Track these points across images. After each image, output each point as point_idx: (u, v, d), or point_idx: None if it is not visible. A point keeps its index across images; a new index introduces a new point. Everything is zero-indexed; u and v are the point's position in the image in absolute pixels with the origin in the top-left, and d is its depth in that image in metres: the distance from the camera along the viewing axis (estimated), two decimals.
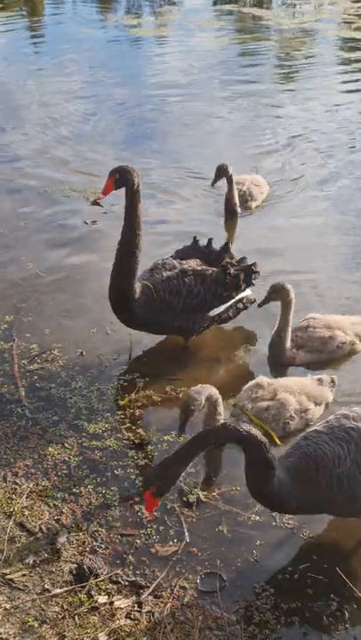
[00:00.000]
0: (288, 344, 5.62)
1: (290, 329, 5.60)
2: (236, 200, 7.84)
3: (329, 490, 3.81)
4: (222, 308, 5.78)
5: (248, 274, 5.81)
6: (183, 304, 5.57)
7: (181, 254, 5.91)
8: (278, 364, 5.65)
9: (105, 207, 7.09)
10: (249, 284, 5.85)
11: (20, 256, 7.20)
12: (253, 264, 5.89)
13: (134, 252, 5.38)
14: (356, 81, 12.55)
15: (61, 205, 8.28)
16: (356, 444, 3.87)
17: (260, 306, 5.75)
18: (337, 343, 5.61)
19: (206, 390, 4.72)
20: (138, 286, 5.50)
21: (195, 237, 6.00)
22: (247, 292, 5.92)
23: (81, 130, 10.53)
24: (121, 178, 5.23)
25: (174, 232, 7.57)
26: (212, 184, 7.76)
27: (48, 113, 11.10)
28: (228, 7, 18.28)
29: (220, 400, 4.80)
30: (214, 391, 4.76)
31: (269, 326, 5.82)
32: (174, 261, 5.74)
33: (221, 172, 7.62)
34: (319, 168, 9.19)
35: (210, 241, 5.97)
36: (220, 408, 4.81)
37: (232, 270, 5.71)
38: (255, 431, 3.64)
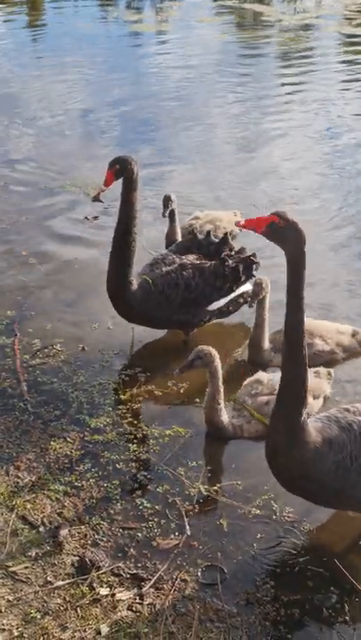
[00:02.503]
0: (266, 344, 5.59)
1: (267, 327, 5.54)
2: (178, 236, 6.79)
3: (326, 473, 3.82)
4: (222, 302, 5.79)
5: (247, 265, 5.80)
6: (182, 297, 5.59)
7: (181, 247, 5.92)
8: (256, 364, 5.56)
9: (106, 203, 7.07)
10: (249, 276, 5.82)
11: (22, 251, 7.22)
12: (253, 254, 5.86)
13: (129, 242, 5.40)
14: (357, 80, 12.56)
15: (62, 201, 8.30)
16: (355, 437, 3.90)
17: (250, 306, 5.65)
18: (314, 351, 5.45)
19: (218, 362, 4.80)
20: (136, 278, 5.52)
21: (193, 230, 6.00)
22: (248, 287, 5.92)
23: (81, 125, 10.56)
24: (121, 168, 5.23)
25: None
26: (163, 215, 6.70)
27: (48, 108, 11.12)
28: (228, 3, 18.26)
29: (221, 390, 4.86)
30: (220, 373, 4.83)
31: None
32: (174, 256, 5.75)
33: (166, 202, 6.69)
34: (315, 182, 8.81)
35: (208, 233, 5.97)
36: (221, 399, 4.87)
37: (230, 262, 5.72)
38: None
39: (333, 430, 3.90)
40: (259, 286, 5.48)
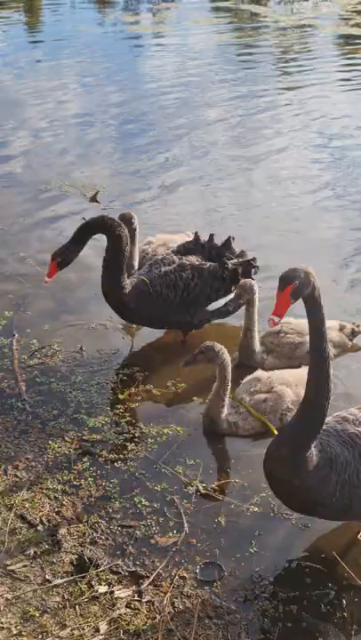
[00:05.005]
0: (257, 346, 5.57)
1: (257, 329, 5.52)
2: (136, 261, 6.49)
3: (332, 494, 3.72)
4: (221, 302, 5.80)
5: (247, 268, 5.83)
6: (180, 298, 5.61)
7: (183, 250, 5.92)
8: (248, 367, 5.49)
9: (103, 204, 7.08)
10: (248, 278, 5.84)
11: (19, 252, 7.24)
12: (253, 259, 5.90)
13: (121, 247, 5.41)
14: (355, 80, 12.59)
15: (60, 202, 8.31)
16: (359, 453, 3.79)
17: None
18: (306, 349, 5.29)
19: (227, 358, 4.82)
20: (129, 280, 5.54)
21: (196, 233, 6.00)
22: None
23: (79, 126, 10.59)
24: (64, 260, 5.41)
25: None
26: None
27: (46, 109, 11.16)
28: (226, 4, 18.31)
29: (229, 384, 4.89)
30: (229, 369, 4.85)
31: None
32: (173, 257, 5.77)
33: (124, 222, 5.79)
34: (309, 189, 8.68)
35: (211, 236, 5.96)
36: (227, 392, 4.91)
37: (230, 264, 5.74)
38: None
39: (334, 448, 3.77)
40: (242, 289, 5.47)
